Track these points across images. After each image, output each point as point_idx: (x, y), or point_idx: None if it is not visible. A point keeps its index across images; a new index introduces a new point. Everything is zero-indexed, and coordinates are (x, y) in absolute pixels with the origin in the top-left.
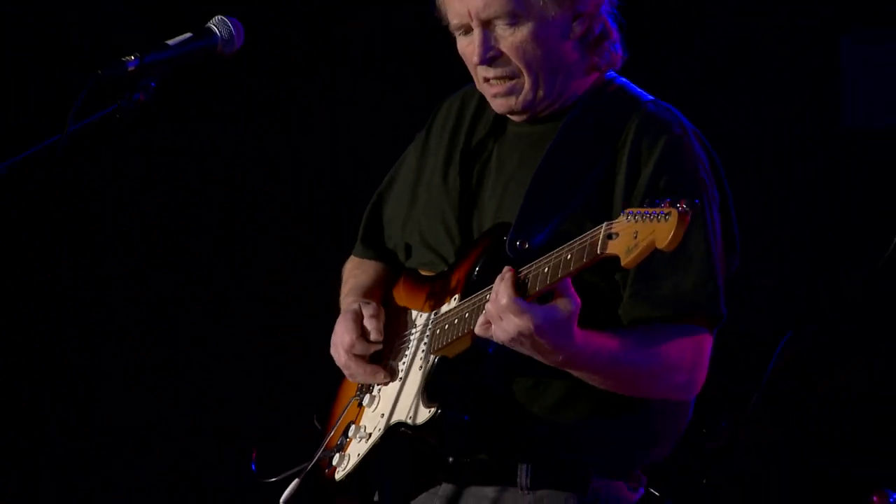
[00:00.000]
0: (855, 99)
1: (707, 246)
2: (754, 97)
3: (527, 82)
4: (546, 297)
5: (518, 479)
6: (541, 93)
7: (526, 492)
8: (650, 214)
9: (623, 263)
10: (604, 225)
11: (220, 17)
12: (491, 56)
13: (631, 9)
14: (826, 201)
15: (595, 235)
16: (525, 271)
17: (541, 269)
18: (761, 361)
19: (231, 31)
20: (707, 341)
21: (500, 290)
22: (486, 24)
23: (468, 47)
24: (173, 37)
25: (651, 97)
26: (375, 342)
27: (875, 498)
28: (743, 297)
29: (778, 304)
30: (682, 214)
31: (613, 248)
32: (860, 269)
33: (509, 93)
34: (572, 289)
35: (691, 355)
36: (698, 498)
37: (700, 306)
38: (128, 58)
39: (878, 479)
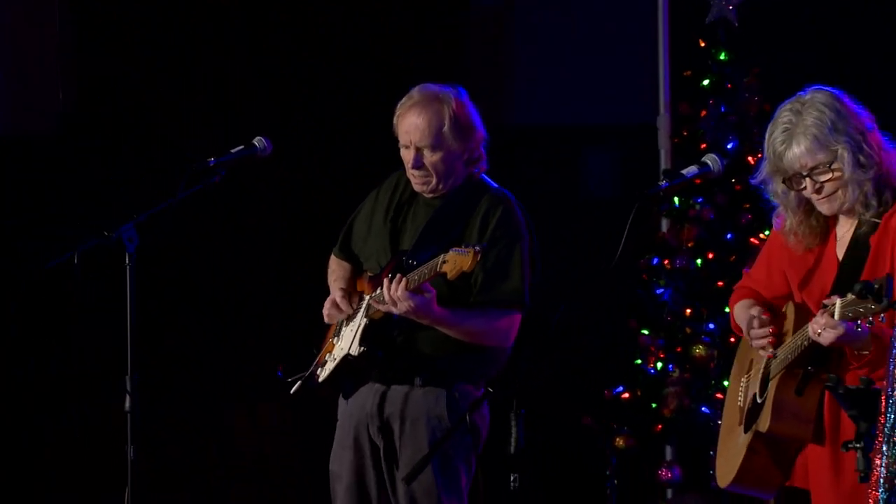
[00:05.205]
0: (592, 181)
1: (520, 268)
2: (559, 176)
3: (433, 181)
4: (417, 290)
5: (415, 381)
6: (440, 186)
7: (420, 387)
8: (462, 251)
9: (448, 277)
10: (441, 255)
11: (259, 137)
12: (418, 165)
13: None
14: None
15: (437, 261)
16: (408, 276)
17: (413, 277)
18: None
19: (265, 145)
20: (517, 318)
21: (397, 286)
22: (418, 150)
23: (406, 155)
24: (233, 147)
25: (496, 185)
26: (348, 304)
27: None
28: (541, 290)
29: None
30: (475, 253)
31: (444, 268)
32: (601, 272)
33: (423, 184)
34: (429, 286)
35: (506, 325)
36: (514, 391)
37: (514, 301)
38: (209, 158)
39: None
